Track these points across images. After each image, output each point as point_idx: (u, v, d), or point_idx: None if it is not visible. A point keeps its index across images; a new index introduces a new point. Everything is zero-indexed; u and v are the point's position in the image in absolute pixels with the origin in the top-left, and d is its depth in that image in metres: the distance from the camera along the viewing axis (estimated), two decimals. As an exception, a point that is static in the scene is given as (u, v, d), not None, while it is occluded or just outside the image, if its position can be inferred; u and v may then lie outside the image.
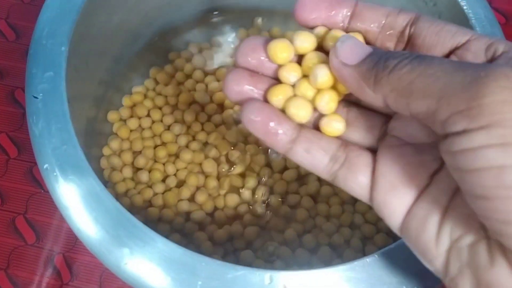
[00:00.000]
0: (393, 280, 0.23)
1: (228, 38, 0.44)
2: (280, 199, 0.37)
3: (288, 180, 0.37)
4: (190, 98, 0.39)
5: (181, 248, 0.23)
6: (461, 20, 0.31)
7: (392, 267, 0.24)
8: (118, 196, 0.35)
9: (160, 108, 0.39)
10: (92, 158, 0.36)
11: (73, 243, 0.38)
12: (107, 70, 0.37)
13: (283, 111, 0.20)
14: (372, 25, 0.20)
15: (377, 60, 0.17)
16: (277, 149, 0.20)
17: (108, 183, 0.37)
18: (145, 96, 0.40)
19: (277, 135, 0.20)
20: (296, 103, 0.19)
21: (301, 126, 0.20)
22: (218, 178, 0.38)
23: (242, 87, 0.20)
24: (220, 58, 0.42)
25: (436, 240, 0.18)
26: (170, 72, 0.41)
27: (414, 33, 0.20)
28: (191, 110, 0.38)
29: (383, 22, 0.20)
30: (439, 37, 0.19)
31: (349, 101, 0.21)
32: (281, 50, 0.19)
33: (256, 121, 0.19)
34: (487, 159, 0.14)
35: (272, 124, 0.19)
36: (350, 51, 0.18)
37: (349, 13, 0.20)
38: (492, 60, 0.18)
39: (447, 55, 0.19)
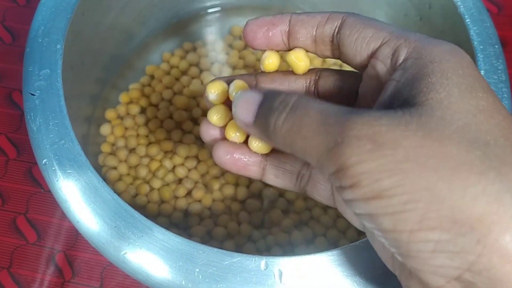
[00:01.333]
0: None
1: (222, 35, 0.44)
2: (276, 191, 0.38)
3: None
4: (185, 100, 0.40)
5: (178, 237, 0.24)
6: (450, 8, 0.32)
7: (386, 250, 0.24)
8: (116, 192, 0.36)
9: (155, 106, 0.40)
10: (90, 155, 0.37)
11: (74, 241, 0.39)
12: (103, 68, 0.38)
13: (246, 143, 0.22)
14: (305, 40, 0.21)
15: (264, 116, 0.18)
16: (252, 177, 0.22)
17: (106, 180, 0.37)
18: (142, 93, 0.40)
19: (248, 169, 0.22)
20: (255, 139, 0.21)
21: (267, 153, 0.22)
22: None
23: (211, 133, 0.22)
24: (214, 55, 0.43)
25: (393, 256, 0.18)
26: (166, 70, 0.41)
27: (339, 42, 0.20)
28: (184, 103, 0.39)
29: (314, 34, 0.20)
30: (357, 46, 0.19)
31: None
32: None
33: (226, 161, 0.21)
34: (358, 209, 0.16)
35: (241, 161, 0.21)
36: (244, 109, 0.19)
37: (285, 31, 0.21)
38: (395, 68, 0.18)
39: (365, 65, 0.20)
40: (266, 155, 0.22)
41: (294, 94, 0.18)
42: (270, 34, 0.21)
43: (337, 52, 0.20)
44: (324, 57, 0.21)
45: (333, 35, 0.20)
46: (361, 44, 0.19)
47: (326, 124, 0.16)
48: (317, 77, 0.22)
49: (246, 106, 0.19)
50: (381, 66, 0.19)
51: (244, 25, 0.21)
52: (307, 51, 0.21)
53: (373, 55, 0.19)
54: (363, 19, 0.19)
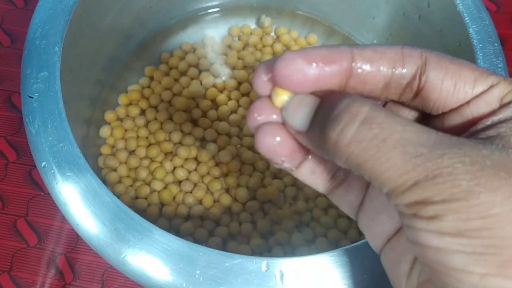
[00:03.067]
0: (388, 263, 0.24)
1: (221, 36, 0.44)
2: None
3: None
4: (184, 101, 0.39)
5: (178, 239, 0.24)
6: (449, 6, 0.32)
7: (387, 250, 0.24)
8: (115, 195, 0.36)
9: (155, 107, 0.40)
10: (89, 158, 0.37)
11: (74, 243, 0.39)
12: (101, 70, 0.38)
13: None
14: (376, 83, 0.17)
15: (321, 125, 0.15)
16: (283, 168, 0.19)
17: (106, 182, 0.37)
18: (141, 94, 0.40)
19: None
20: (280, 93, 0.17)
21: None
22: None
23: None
24: (213, 56, 0.43)
25: (407, 277, 0.17)
26: (165, 71, 0.41)
27: (425, 86, 0.17)
28: (184, 104, 0.39)
29: (390, 76, 0.16)
30: (456, 90, 0.16)
31: None
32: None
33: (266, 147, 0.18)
34: (425, 240, 0.15)
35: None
36: (296, 113, 0.16)
37: (345, 71, 0.16)
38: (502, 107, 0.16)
39: (460, 107, 0.17)
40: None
41: (363, 100, 0.15)
42: (322, 73, 0.16)
43: (410, 95, 0.17)
44: (386, 100, 0.18)
45: (414, 76, 0.16)
46: (463, 86, 0.16)
47: (417, 156, 0.14)
48: None
49: (300, 109, 0.16)
50: (485, 106, 0.16)
51: (276, 61, 0.16)
52: (368, 96, 0.17)
53: (475, 98, 0.16)
54: (445, 56, 0.17)
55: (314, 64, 0.16)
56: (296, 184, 0.38)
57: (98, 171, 0.37)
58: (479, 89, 0.16)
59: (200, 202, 0.37)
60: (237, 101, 0.41)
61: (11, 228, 0.39)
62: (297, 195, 0.37)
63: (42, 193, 0.41)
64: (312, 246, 0.35)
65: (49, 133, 0.25)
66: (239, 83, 0.41)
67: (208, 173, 0.38)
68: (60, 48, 0.27)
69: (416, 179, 0.14)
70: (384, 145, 0.14)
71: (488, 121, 0.16)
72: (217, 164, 0.38)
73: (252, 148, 0.39)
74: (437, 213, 0.14)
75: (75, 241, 0.39)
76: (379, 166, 0.14)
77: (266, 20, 0.44)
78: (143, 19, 0.40)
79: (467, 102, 0.16)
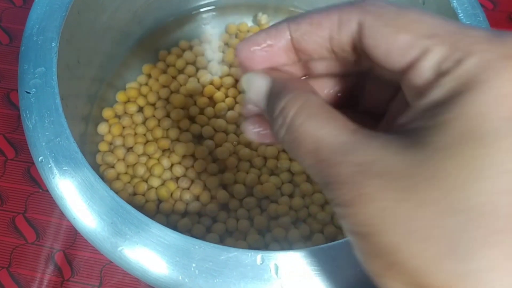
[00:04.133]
0: (382, 256, 0.24)
1: (218, 34, 0.44)
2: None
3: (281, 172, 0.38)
4: (182, 98, 0.40)
5: (174, 232, 0.24)
6: (444, 2, 0.32)
7: (381, 243, 0.24)
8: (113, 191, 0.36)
9: (152, 104, 0.40)
10: (87, 154, 0.37)
11: (73, 239, 0.39)
12: (99, 67, 0.38)
13: None
14: (321, 54, 0.17)
15: (269, 116, 0.17)
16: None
17: (104, 179, 0.37)
18: (139, 91, 0.40)
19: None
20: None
21: None
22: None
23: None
24: (210, 53, 0.43)
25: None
26: (163, 68, 0.42)
27: (365, 49, 0.15)
28: (181, 101, 0.39)
29: (329, 47, 0.16)
30: (388, 61, 0.15)
31: None
32: None
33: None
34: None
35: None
36: (255, 95, 0.18)
37: (288, 47, 0.17)
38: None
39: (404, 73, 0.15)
40: None
41: (298, 99, 0.16)
42: (268, 55, 0.17)
43: (368, 61, 0.16)
44: (356, 70, 0.18)
45: (352, 42, 0.16)
46: (395, 52, 0.14)
47: (318, 159, 0.15)
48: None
49: (257, 93, 0.18)
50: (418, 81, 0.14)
51: (236, 50, 0.18)
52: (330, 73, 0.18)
53: (407, 70, 0.14)
54: (385, 14, 0.15)
55: (258, 47, 0.17)
56: (293, 180, 0.38)
57: (96, 167, 0.38)
58: (407, 58, 0.14)
59: (197, 198, 0.37)
60: (234, 98, 0.41)
61: (10, 224, 0.40)
62: (293, 191, 0.38)
63: (41, 190, 0.41)
64: (308, 242, 0.35)
65: (46, 128, 0.26)
66: (236, 81, 0.42)
67: (205, 170, 0.38)
68: (57, 44, 0.28)
69: (322, 182, 0.15)
70: (301, 148, 0.15)
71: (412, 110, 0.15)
72: (214, 161, 0.38)
73: (249, 145, 0.39)
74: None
75: (74, 238, 0.39)
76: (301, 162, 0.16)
77: (263, 18, 0.44)
78: (140, 17, 0.40)
79: (403, 75, 0.15)
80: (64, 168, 0.25)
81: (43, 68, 0.27)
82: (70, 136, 0.26)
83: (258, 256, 0.24)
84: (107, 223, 0.24)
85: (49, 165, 0.25)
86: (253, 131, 0.19)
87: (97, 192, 0.25)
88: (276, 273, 0.23)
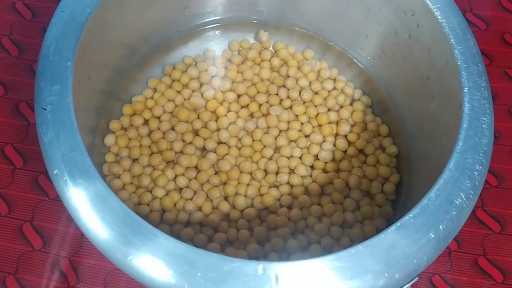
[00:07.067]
0: (376, 268, 0.26)
1: (221, 50, 0.46)
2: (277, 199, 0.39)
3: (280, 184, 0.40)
4: (186, 112, 0.41)
5: (181, 243, 0.26)
6: (437, 27, 0.34)
7: (375, 256, 0.26)
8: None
9: (158, 118, 0.42)
10: (94, 165, 0.38)
11: (78, 247, 0.40)
12: (107, 81, 0.40)
13: None
14: None
15: None
16: None
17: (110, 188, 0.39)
18: (145, 105, 0.42)
19: None
20: None
21: None
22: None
23: None
24: (213, 69, 0.44)
25: None
26: (168, 83, 0.43)
27: None
28: (186, 115, 0.41)
29: None
30: None
31: None
32: None
33: None
34: None
35: None
36: None
37: None
38: None
39: None
40: None
41: None
42: None
43: None
44: None
45: None
46: None
47: None
48: None
49: None
50: None
51: None
52: None
53: None
54: None
55: None
56: (292, 193, 0.39)
57: (102, 178, 0.39)
58: None
59: (199, 209, 0.38)
60: (236, 112, 0.43)
61: (17, 232, 0.41)
62: (292, 203, 0.39)
63: (48, 199, 0.42)
64: (306, 253, 0.37)
65: (61, 142, 0.27)
66: (239, 96, 0.43)
67: (207, 181, 0.39)
68: (72, 63, 0.29)
69: None
70: None
71: None
72: (216, 173, 0.40)
73: (250, 158, 0.40)
74: None
75: (79, 245, 0.40)
76: None
77: (264, 35, 0.46)
78: (147, 34, 0.42)
79: None
80: (78, 180, 0.27)
81: (59, 86, 0.28)
82: (84, 150, 0.27)
83: (260, 266, 0.25)
84: (118, 234, 0.26)
85: (64, 178, 0.27)
86: None
87: (109, 204, 0.26)
88: (277, 282, 0.25)
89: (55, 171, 0.27)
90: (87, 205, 0.26)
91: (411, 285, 0.29)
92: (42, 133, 0.27)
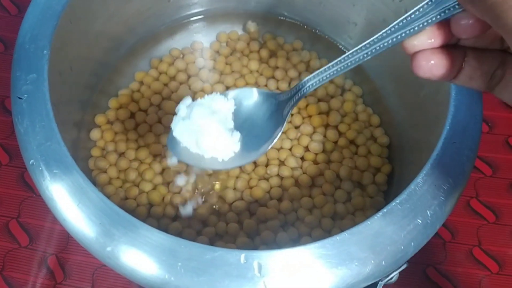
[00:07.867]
0: (362, 256, 0.25)
1: (209, 42, 0.45)
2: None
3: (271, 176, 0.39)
4: (173, 105, 0.41)
5: (161, 233, 0.25)
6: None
7: (361, 243, 0.25)
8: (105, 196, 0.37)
9: (144, 111, 0.41)
10: (80, 160, 0.38)
11: (65, 244, 0.40)
12: (92, 74, 0.39)
13: None
14: None
15: None
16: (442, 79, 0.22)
17: (96, 184, 0.38)
18: (131, 98, 0.41)
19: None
20: None
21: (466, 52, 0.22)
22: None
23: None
24: (201, 61, 0.44)
25: None
26: (155, 76, 0.43)
27: None
28: (173, 108, 0.40)
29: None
30: None
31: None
32: None
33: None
34: None
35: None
36: None
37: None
38: None
39: None
40: (465, 54, 0.22)
41: None
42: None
43: None
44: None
45: None
46: None
47: None
48: None
49: None
50: None
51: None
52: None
53: None
54: None
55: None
56: (282, 185, 0.39)
57: (88, 173, 0.38)
58: None
59: (187, 202, 0.38)
60: (225, 104, 0.42)
61: (4, 229, 0.40)
62: (282, 195, 0.39)
63: (34, 195, 0.42)
64: (296, 245, 0.36)
65: (37, 132, 0.27)
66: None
67: (196, 174, 0.39)
68: (48, 51, 0.29)
69: None
70: None
71: None
72: (204, 166, 0.39)
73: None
74: None
75: (66, 242, 0.40)
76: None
77: (252, 26, 0.45)
78: (132, 25, 0.41)
79: None
80: (54, 171, 0.26)
81: (34, 74, 0.28)
82: (60, 140, 0.26)
83: (242, 255, 0.25)
84: (95, 224, 0.25)
85: (40, 168, 0.26)
86: (427, 66, 0.21)
87: (86, 194, 0.26)
88: (260, 271, 0.24)
89: (31, 161, 0.26)
90: (64, 195, 0.26)
91: (399, 272, 0.28)
92: (18, 122, 0.27)
